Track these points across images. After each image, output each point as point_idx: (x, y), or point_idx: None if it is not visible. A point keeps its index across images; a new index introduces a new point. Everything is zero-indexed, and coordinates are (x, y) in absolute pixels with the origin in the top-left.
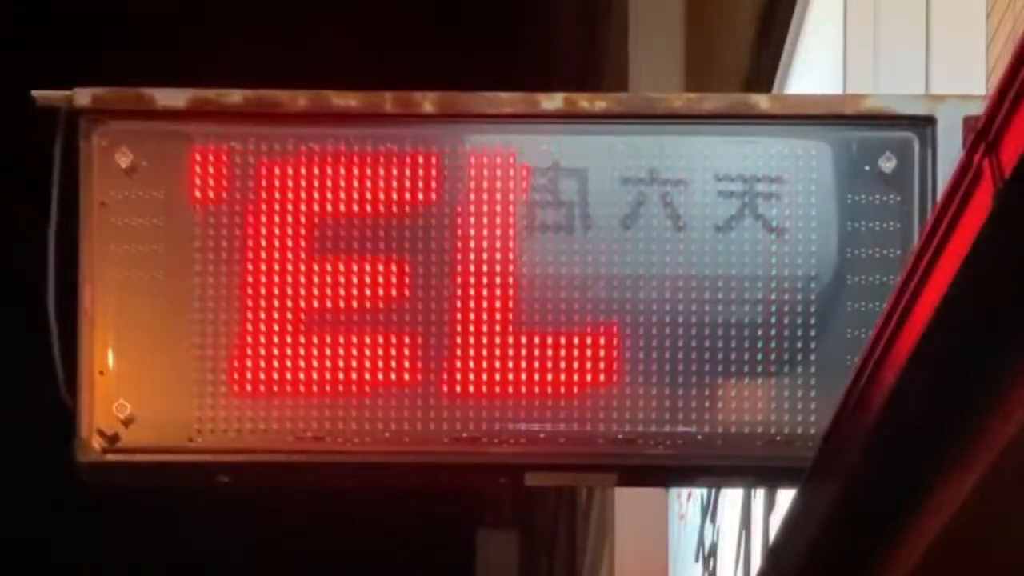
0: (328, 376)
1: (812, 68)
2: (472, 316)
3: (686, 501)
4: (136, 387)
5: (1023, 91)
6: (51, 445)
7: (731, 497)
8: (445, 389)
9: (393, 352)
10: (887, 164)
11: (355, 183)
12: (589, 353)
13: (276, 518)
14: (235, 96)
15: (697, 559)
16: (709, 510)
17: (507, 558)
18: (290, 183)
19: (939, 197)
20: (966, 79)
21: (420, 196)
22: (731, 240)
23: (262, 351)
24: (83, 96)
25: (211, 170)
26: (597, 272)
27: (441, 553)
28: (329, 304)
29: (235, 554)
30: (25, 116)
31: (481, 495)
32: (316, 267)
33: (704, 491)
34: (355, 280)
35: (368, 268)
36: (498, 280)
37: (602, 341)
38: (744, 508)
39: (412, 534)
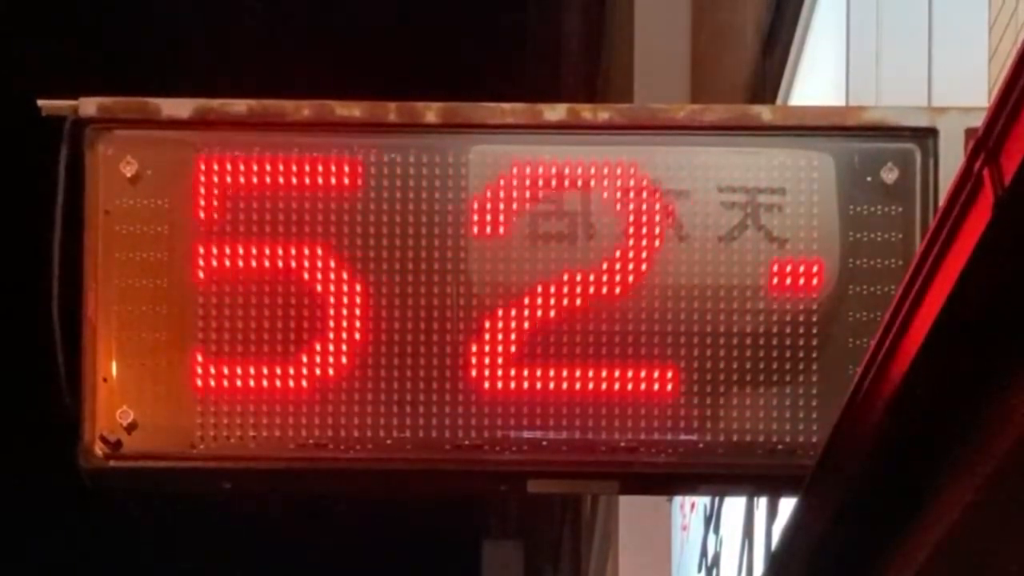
0: (330, 383)
1: (815, 80)
2: (475, 324)
3: (689, 511)
4: (139, 394)
5: (1022, 100)
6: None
7: (733, 507)
8: (448, 397)
9: (396, 360)
10: (889, 175)
11: (359, 193)
12: (591, 361)
13: (276, 529)
14: (239, 106)
15: (700, 569)
16: (712, 520)
17: (512, 569)
18: (294, 192)
19: (940, 206)
20: (968, 92)
21: (424, 206)
22: (733, 250)
23: (265, 358)
24: (89, 105)
25: (215, 179)
26: (599, 281)
27: (447, 564)
28: (332, 311)
29: (234, 565)
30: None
31: (486, 506)
32: (319, 275)
33: (707, 501)
34: (359, 288)
35: (372, 277)
36: (500, 289)
37: (604, 350)
38: (746, 518)
39: (417, 545)
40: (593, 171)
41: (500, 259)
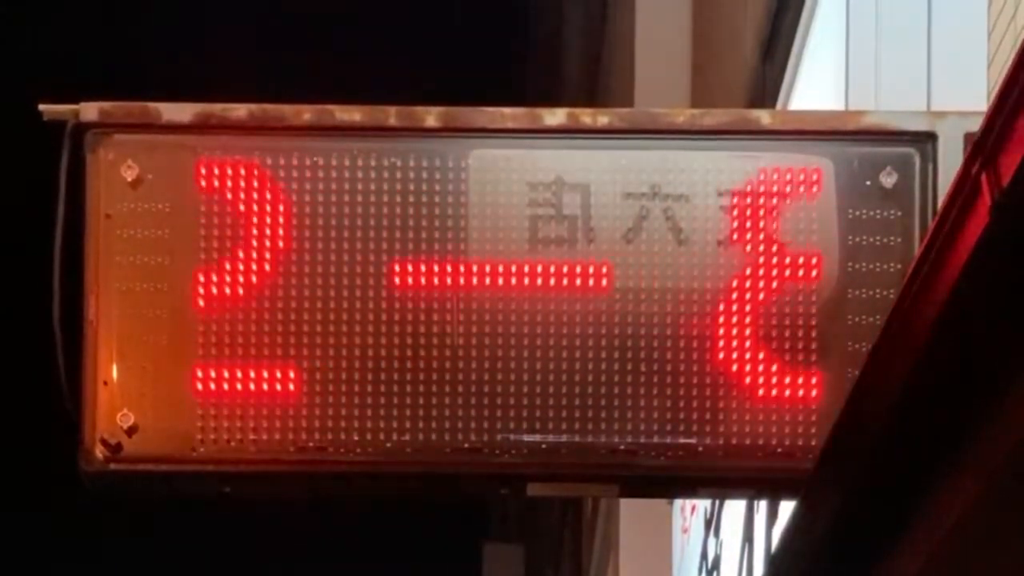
0: (330, 387)
1: (814, 86)
2: (475, 328)
3: (689, 515)
4: (139, 397)
5: (1020, 104)
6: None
7: (734, 510)
8: (447, 400)
9: (395, 363)
10: (888, 179)
11: (359, 196)
12: (591, 366)
13: (277, 530)
14: (240, 110)
15: (701, 572)
16: (712, 523)
17: (513, 572)
18: (294, 197)
19: (938, 210)
20: (968, 97)
21: (424, 210)
22: (733, 254)
23: (265, 362)
24: (90, 110)
25: (215, 183)
26: (600, 285)
27: (447, 566)
28: (332, 315)
29: (233, 565)
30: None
31: (487, 509)
32: (319, 279)
33: (707, 504)
34: (358, 292)
35: (372, 280)
36: (501, 293)
37: (603, 354)
38: (747, 521)
39: (418, 547)
40: (593, 175)
41: (500, 263)
